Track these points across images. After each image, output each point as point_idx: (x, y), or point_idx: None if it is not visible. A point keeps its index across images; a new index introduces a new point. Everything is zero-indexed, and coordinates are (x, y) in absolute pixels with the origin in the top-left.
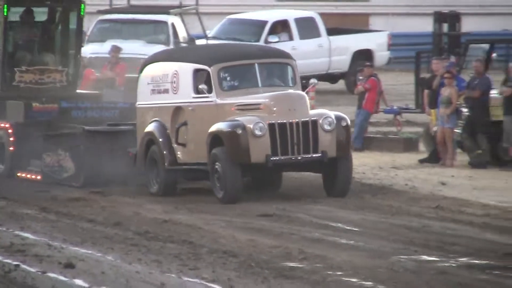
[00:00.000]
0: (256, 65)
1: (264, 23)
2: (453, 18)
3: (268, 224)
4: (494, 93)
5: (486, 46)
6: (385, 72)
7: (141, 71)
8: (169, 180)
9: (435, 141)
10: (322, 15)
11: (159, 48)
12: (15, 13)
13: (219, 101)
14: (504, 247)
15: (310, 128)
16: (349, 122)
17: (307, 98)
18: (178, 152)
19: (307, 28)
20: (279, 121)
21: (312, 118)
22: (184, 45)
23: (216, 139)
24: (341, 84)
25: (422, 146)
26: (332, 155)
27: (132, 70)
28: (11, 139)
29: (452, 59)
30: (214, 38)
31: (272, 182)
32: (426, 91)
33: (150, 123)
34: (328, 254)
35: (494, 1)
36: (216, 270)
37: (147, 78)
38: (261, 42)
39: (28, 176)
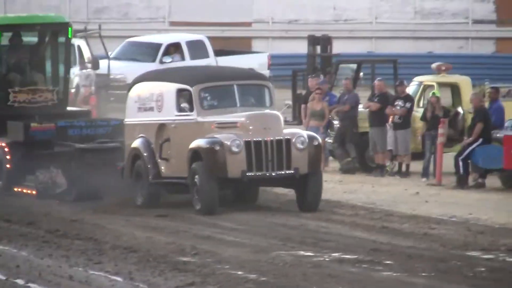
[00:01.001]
0: (234, 86)
1: (159, 45)
2: (325, 41)
3: (164, 223)
4: (361, 107)
5: (354, 66)
6: None
7: (129, 89)
8: (153, 193)
9: None
10: (210, 38)
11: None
12: (5, 37)
13: (199, 119)
14: (371, 243)
15: (284, 146)
16: (320, 141)
17: (281, 118)
18: (162, 167)
19: (197, 49)
20: (254, 139)
21: (286, 137)
22: (88, 65)
23: (196, 154)
24: None
25: None
26: (303, 171)
27: None
28: (8, 157)
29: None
30: (115, 58)
31: (249, 196)
32: (302, 106)
33: (136, 139)
34: (217, 249)
35: (362, 26)
36: (118, 264)
37: (135, 96)
38: (157, 62)
39: (24, 190)
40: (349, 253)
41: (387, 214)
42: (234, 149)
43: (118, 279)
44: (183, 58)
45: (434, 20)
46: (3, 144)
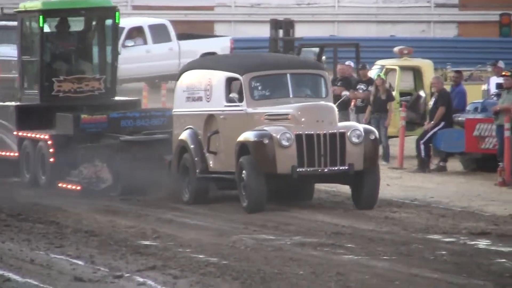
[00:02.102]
0: (288, 75)
1: (121, 29)
2: (288, 24)
3: (126, 207)
4: None
5: (316, 49)
6: None
7: (178, 78)
8: (200, 188)
9: None
10: (173, 22)
11: None
12: (51, 24)
13: (249, 110)
14: (332, 227)
15: (338, 140)
16: (377, 135)
17: (336, 110)
18: (210, 161)
19: (160, 33)
20: (306, 132)
21: (340, 130)
22: None
23: (244, 148)
24: None
25: None
26: (359, 168)
27: (5, 71)
28: (51, 150)
29: None
30: None
31: (304, 193)
32: None
33: (184, 130)
34: (178, 233)
35: (324, 10)
36: (79, 247)
37: (183, 85)
38: (119, 46)
39: (69, 186)
40: (310, 236)
41: (348, 198)
42: (284, 142)
43: (80, 262)
44: (145, 42)
45: (396, 4)
46: (46, 137)
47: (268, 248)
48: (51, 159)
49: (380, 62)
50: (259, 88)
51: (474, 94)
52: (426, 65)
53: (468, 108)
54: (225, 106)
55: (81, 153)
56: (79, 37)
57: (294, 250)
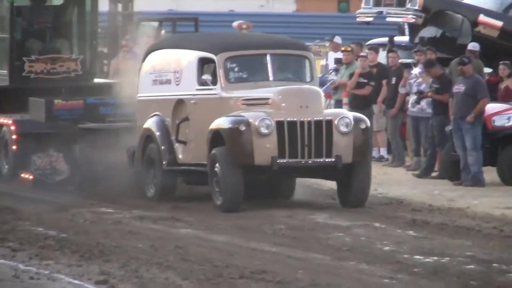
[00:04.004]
0: (268, 55)
1: None
2: None
3: None
4: None
5: (155, 24)
6: None
7: (143, 59)
8: (167, 183)
9: None
10: None
11: None
12: None
13: (224, 94)
14: (172, 201)
15: (324, 128)
16: (368, 124)
17: (322, 94)
18: (179, 151)
19: None
20: (288, 119)
21: (327, 118)
22: None
23: (217, 136)
24: None
25: None
26: (347, 160)
27: None
28: (14, 137)
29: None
30: None
31: (284, 189)
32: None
33: (150, 117)
34: (17, 206)
35: None
36: None
37: (149, 67)
38: None
39: (26, 176)
40: (149, 210)
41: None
42: (263, 130)
43: None
44: None
45: None
46: (9, 122)
47: (108, 222)
48: (14, 147)
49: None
50: (236, 69)
51: None
52: None
53: None
54: (197, 89)
55: (34, 141)
56: (56, 12)
57: (133, 224)
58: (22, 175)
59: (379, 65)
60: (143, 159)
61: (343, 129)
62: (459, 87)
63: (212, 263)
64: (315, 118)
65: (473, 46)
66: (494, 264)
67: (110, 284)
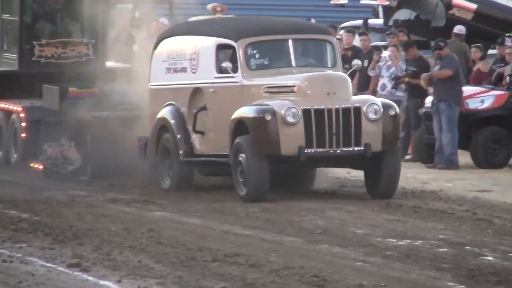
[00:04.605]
0: (290, 41)
1: None
2: None
3: None
4: None
5: (130, 6)
6: None
7: (155, 46)
8: (184, 174)
9: None
10: None
11: None
12: None
13: (245, 82)
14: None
15: (352, 116)
16: (397, 110)
17: (349, 80)
18: (196, 142)
19: None
20: (315, 107)
21: (355, 105)
22: None
23: (241, 126)
24: None
25: None
26: (377, 149)
27: None
28: (23, 124)
29: None
30: None
31: (305, 177)
32: None
33: (164, 107)
34: None
35: None
36: None
37: (162, 54)
38: None
39: (35, 165)
40: (123, 193)
41: None
42: (290, 119)
43: None
44: None
45: None
46: (19, 109)
47: (81, 205)
48: (23, 135)
49: (193, 19)
50: (257, 56)
51: None
52: None
53: None
54: (215, 77)
55: (45, 129)
56: None
57: (106, 207)
58: (32, 164)
59: (354, 48)
60: (157, 149)
61: (372, 116)
62: (436, 70)
63: (185, 246)
64: (343, 106)
65: (459, 29)
66: (467, 247)
67: (83, 267)
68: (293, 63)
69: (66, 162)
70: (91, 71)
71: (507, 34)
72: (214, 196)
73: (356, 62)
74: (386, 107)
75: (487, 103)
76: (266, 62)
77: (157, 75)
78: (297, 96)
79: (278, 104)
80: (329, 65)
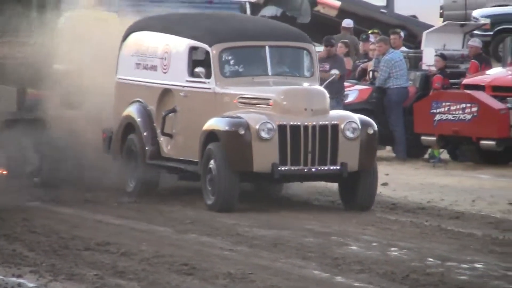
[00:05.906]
0: (266, 48)
1: None
2: None
3: None
4: None
5: None
6: None
7: (124, 38)
8: (149, 177)
9: None
10: None
11: None
12: None
13: (218, 89)
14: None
15: (329, 134)
16: (376, 128)
17: (327, 95)
18: (163, 144)
19: None
20: (291, 123)
21: (333, 122)
22: None
23: (212, 138)
24: None
25: None
26: (353, 168)
27: None
28: None
29: None
30: None
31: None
32: None
33: (131, 104)
34: None
35: None
36: None
37: (131, 48)
38: None
39: None
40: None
41: None
42: (264, 135)
43: None
44: None
45: None
46: None
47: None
48: None
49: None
50: (231, 62)
51: None
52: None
53: None
54: (187, 81)
55: (4, 129)
56: None
57: None
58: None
59: None
60: (122, 149)
61: (350, 134)
62: (323, 66)
63: (58, 235)
64: (320, 123)
65: (347, 23)
66: (333, 237)
67: None
68: (269, 72)
69: (25, 163)
70: (38, 72)
71: (370, 31)
72: (84, 186)
73: (335, 72)
74: (364, 124)
75: (351, 98)
76: (241, 70)
77: (125, 69)
78: (272, 110)
79: (252, 118)
80: (306, 74)
